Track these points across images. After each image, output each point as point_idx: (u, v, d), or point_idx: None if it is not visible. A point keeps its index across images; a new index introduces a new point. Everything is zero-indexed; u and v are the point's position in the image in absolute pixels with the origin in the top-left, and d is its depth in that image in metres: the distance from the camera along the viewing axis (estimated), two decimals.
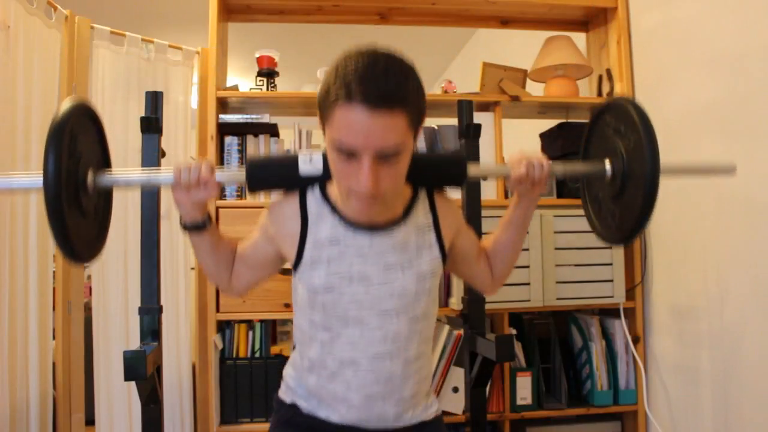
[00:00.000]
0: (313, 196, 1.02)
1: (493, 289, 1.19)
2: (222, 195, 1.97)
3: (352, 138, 0.83)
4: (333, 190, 1.01)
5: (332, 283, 0.99)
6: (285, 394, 1.11)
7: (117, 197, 2.21)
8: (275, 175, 1.05)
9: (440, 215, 1.06)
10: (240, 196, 1.97)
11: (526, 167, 1.02)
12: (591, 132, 1.18)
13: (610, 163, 1.09)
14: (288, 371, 1.13)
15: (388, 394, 1.01)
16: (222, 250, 1.08)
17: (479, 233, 1.54)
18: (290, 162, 1.02)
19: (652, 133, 0.99)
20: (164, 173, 1.03)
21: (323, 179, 1.02)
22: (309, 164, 1.01)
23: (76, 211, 0.97)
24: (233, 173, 1.08)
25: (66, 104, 0.95)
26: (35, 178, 0.94)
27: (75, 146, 0.96)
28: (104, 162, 1.11)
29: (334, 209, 1.00)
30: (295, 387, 1.10)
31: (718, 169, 1.23)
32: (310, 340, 1.04)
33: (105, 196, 1.12)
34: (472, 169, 1.10)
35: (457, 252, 1.11)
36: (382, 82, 0.82)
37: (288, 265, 1.07)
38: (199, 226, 1.03)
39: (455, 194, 1.21)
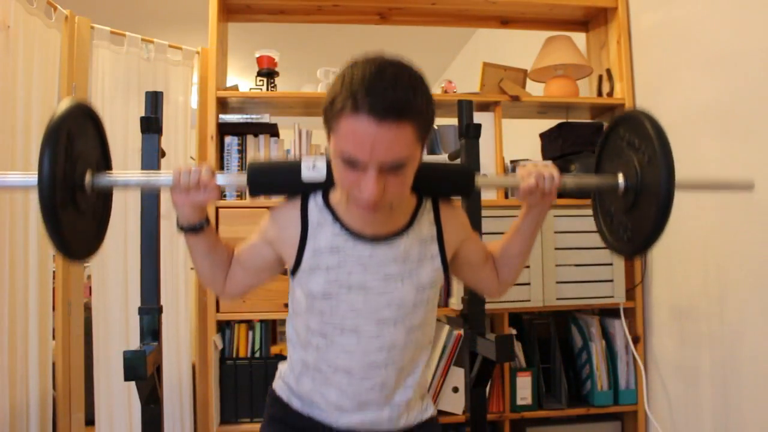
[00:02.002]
0: (315, 203, 1.01)
1: (499, 293, 1.18)
2: (222, 195, 1.97)
3: (358, 149, 0.82)
4: (335, 197, 1.00)
5: (330, 291, 0.98)
6: (281, 390, 1.11)
7: (117, 197, 2.20)
8: (277, 180, 1.04)
9: (444, 226, 1.05)
10: (240, 197, 1.97)
11: (536, 179, 1.01)
12: (604, 145, 1.17)
13: (623, 177, 1.07)
14: (284, 368, 1.13)
15: (383, 401, 1.02)
16: (218, 252, 1.07)
17: (479, 233, 1.53)
18: (293, 167, 1.00)
19: (668, 146, 0.99)
20: (164, 175, 1.02)
21: (326, 186, 1.00)
22: (312, 170, 0.99)
23: (72, 211, 0.96)
24: (234, 177, 1.06)
25: (64, 104, 0.95)
26: (30, 177, 0.93)
27: (72, 147, 0.95)
28: (104, 162, 1.10)
29: (335, 217, 0.99)
30: (291, 385, 1.09)
31: (736, 185, 1.22)
32: (306, 344, 1.04)
33: (104, 197, 1.11)
34: (480, 181, 1.09)
35: (461, 259, 1.10)
36: (390, 93, 0.80)
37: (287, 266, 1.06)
38: (195, 228, 1.02)
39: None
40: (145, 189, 1.41)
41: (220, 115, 2.00)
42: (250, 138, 1.99)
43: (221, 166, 1.98)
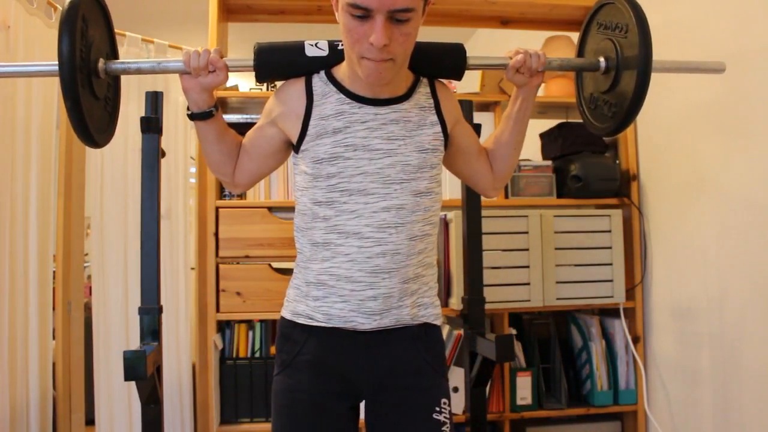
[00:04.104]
0: (319, 78, 1.06)
1: (495, 188, 1.23)
2: (222, 195, 1.97)
3: None
4: (339, 72, 1.05)
5: (337, 153, 1.02)
6: (285, 310, 1.11)
7: (117, 198, 2.19)
8: (283, 60, 1.08)
9: (441, 100, 1.10)
10: (240, 196, 1.97)
11: (524, 55, 1.07)
12: (585, 35, 1.23)
13: (604, 58, 1.14)
14: (290, 286, 1.13)
15: (394, 269, 1.02)
16: (227, 140, 1.11)
17: (479, 232, 1.53)
18: (298, 45, 1.06)
19: (644, 17, 1.05)
20: (173, 60, 1.06)
21: (329, 65, 1.05)
22: (315, 48, 1.05)
23: (89, 95, 1.02)
24: (242, 59, 1.09)
25: None
26: (51, 64, 0.98)
27: (87, 31, 0.99)
28: (112, 52, 1.14)
29: (340, 87, 1.04)
30: (295, 294, 1.10)
31: (708, 67, 1.29)
32: (313, 220, 1.05)
33: (114, 85, 1.15)
34: (472, 59, 1.14)
35: (456, 143, 1.14)
36: None
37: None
38: (205, 114, 1.05)
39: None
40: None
41: None
42: None
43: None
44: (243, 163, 1.13)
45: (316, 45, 1.05)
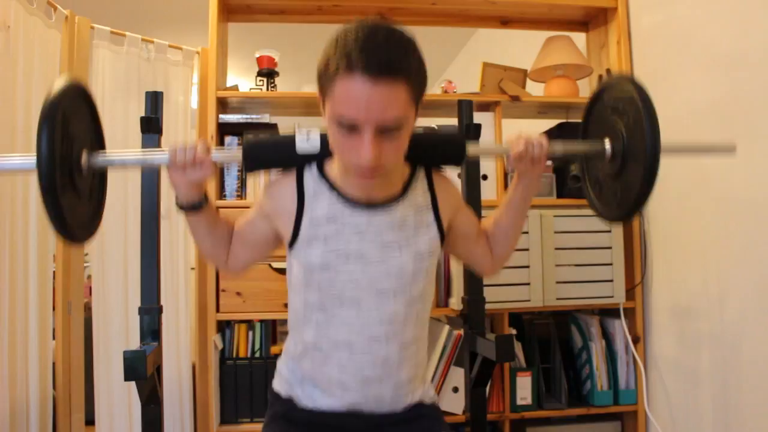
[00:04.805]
0: (311, 174, 1.02)
1: (493, 270, 1.19)
2: (222, 195, 1.97)
3: (354, 110, 0.82)
4: (331, 168, 1.01)
5: (329, 261, 0.98)
6: (280, 385, 1.10)
7: (117, 198, 2.19)
8: (272, 154, 1.04)
9: (439, 195, 1.06)
10: (240, 196, 1.97)
11: (525, 145, 1.02)
12: (589, 112, 1.18)
13: (610, 142, 1.08)
14: (282, 361, 1.12)
15: (385, 377, 1.00)
16: (219, 229, 1.08)
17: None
18: (287, 140, 1.01)
19: (651, 107, 0.99)
20: (159, 153, 1.02)
21: (321, 158, 1.01)
22: (306, 142, 1.00)
23: (70, 192, 0.96)
24: (230, 153, 1.06)
25: (58, 84, 0.94)
26: (29, 159, 0.93)
27: (68, 127, 0.95)
28: (98, 143, 1.09)
29: (332, 187, 0.99)
30: (289, 376, 1.08)
31: (719, 148, 1.23)
32: (305, 322, 1.03)
33: (100, 177, 1.12)
34: (471, 149, 1.10)
35: (456, 232, 1.10)
36: (383, 52, 0.81)
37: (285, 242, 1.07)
38: (195, 207, 1.02)
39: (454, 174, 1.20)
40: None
41: (220, 115, 2.00)
42: None
43: (221, 166, 1.98)
44: (236, 251, 1.10)
45: (307, 138, 1.00)
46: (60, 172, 0.91)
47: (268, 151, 1.04)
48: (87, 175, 1.01)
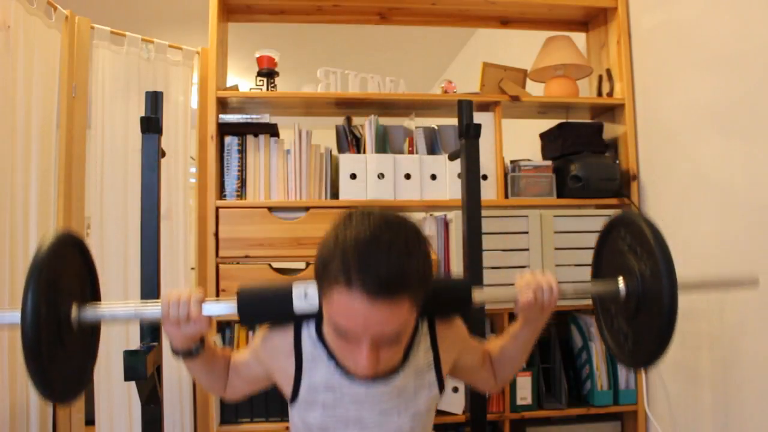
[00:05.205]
0: (309, 335, 0.99)
1: (496, 389, 1.18)
2: (222, 195, 1.97)
3: (351, 323, 0.80)
4: (329, 330, 0.96)
5: (327, 425, 0.97)
6: None
7: (117, 198, 2.18)
8: (268, 309, 1.00)
9: (441, 348, 1.03)
10: (240, 197, 1.97)
11: (534, 292, 0.99)
12: (603, 243, 1.16)
13: (624, 282, 1.06)
14: None
15: None
16: (216, 368, 1.06)
17: (479, 232, 1.53)
18: (284, 295, 0.96)
19: (671, 262, 0.97)
20: (152, 307, 0.99)
21: (319, 316, 0.97)
22: (304, 300, 0.95)
23: (57, 349, 0.92)
24: (224, 306, 1.00)
25: (49, 238, 0.92)
26: (13, 314, 0.89)
27: (58, 281, 0.93)
28: (91, 293, 1.08)
29: (330, 355, 0.96)
30: None
31: (740, 282, 1.20)
32: None
33: (91, 329, 1.07)
34: (477, 295, 1.05)
35: (459, 367, 1.09)
36: (383, 269, 0.77)
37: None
38: (191, 354, 1.00)
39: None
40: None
41: (220, 115, 2.00)
42: (250, 138, 1.99)
43: (221, 166, 1.98)
44: (234, 383, 1.09)
45: (305, 296, 0.95)
46: (46, 331, 0.88)
47: (263, 306, 1.00)
48: (77, 329, 0.98)
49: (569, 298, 1.06)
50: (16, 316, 0.87)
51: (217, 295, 1.89)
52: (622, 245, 1.09)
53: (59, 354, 0.93)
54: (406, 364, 0.98)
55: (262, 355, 1.03)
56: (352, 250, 0.79)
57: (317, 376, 0.97)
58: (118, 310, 1.03)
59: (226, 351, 1.10)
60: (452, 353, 1.05)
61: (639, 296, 1.02)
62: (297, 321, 1.00)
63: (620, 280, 1.06)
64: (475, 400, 1.51)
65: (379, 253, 0.78)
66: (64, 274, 0.95)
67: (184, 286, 2.37)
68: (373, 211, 0.84)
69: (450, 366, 1.05)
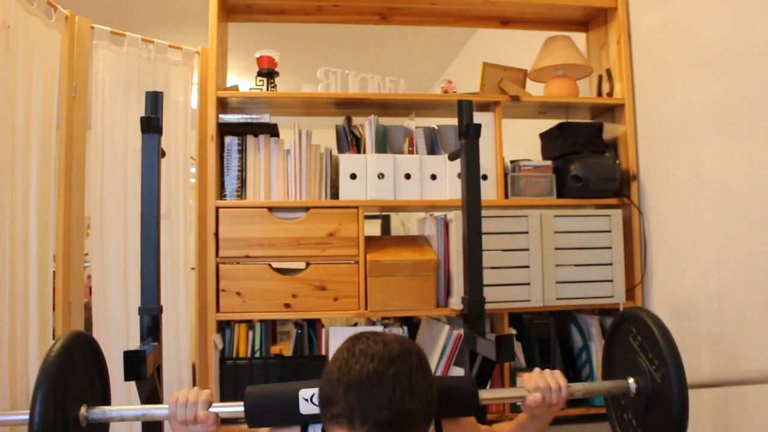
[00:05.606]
0: None
1: None
2: (222, 195, 1.97)
3: None
4: None
5: None
6: None
7: (117, 198, 2.18)
8: (275, 411, 1.02)
9: None
10: (240, 196, 1.97)
11: (542, 393, 1.00)
12: (612, 338, 1.18)
13: (635, 381, 1.08)
14: None
15: None
16: None
17: (479, 232, 1.53)
18: (291, 397, 0.99)
19: (681, 369, 0.99)
20: (160, 409, 1.02)
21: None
22: (310, 403, 0.98)
23: None
24: (231, 408, 1.03)
25: (61, 341, 0.95)
26: (22, 416, 0.92)
27: (68, 383, 0.95)
28: (102, 394, 1.10)
29: None
30: None
31: (755, 380, 1.23)
32: None
33: (99, 427, 1.09)
34: (484, 395, 1.06)
35: None
36: (386, 412, 0.78)
37: None
38: None
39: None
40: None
41: (220, 115, 2.00)
42: (250, 138, 1.99)
43: (221, 166, 1.98)
44: None
45: (311, 399, 0.97)
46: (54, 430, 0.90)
47: (270, 409, 1.02)
48: (86, 428, 1.01)
49: (578, 397, 1.09)
50: (24, 417, 0.90)
51: (217, 296, 1.89)
52: (633, 343, 1.11)
53: None
54: None
55: None
56: (355, 390, 0.79)
57: None
58: (127, 411, 1.06)
59: None
60: None
61: (649, 397, 1.04)
62: (303, 422, 1.01)
63: (630, 380, 1.09)
64: None
65: (382, 395, 0.78)
66: (73, 375, 0.98)
67: (183, 284, 2.37)
68: (376, 339, 0.84)
69: None
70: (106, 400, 1.14)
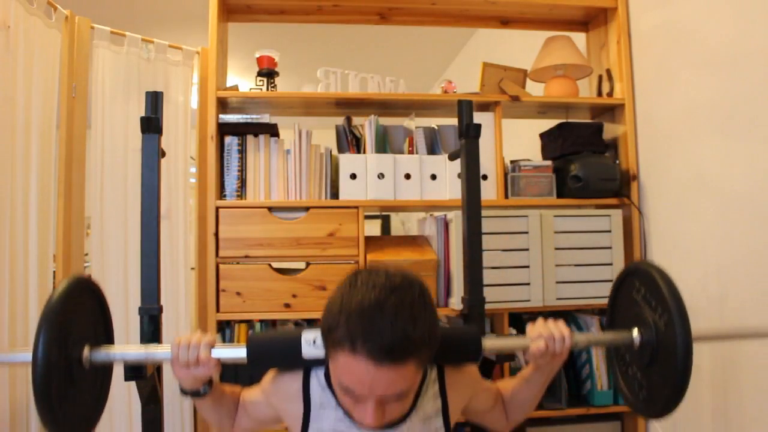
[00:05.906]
0: (317, 381, 1.00)
1: (508, 429, 1.17)
2: (222, 195, 1.97)
3: (356, 385, 0.82)
4: None
5: None
6: None
7: (117, 198, 2.18)
8: (277, 356, 1.02)
9: (450, 394, 1.03)
10: (240, 196, 1.97)
11: (546, 341, 1.00)
12: (617, 292, 1.18)
13: (639, 332, 1.07)
14: None
15: None
16: (224, 405, 1.08)
17: (479, 232, 1.53)
18: (293, 341, 0.99)
19: (686, 318, 0.98)
20: (162, 350, 1.04)
21: (328, 362, 0.98)
22: (312, 347, 0.98)
23: (67, 389, 0.95)
24: (233, 351, 1.03)
25: (63, 284, 0.95)
26: (25, 355, 0.92)
27: (71, 325, 0.96)
28: (105, 335, 1.11)
29: (338, 402, 0.97)
30: None
31: (757, 333, 1.23)
32: None
33: (103, 369, 1.11)
34: (488, 344, 1.06)
35: (470, 409, 1.09)
36: (388, 336, 0.78)
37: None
38: (199, 394, 1.03)
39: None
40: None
41: (220, 115, 2.00)
42: (250, 138, 1.99)
43: (221, 166, 1.98)
44: (242, 422, 1.11)
45: (313, 343, 0.97)
46: (56, 372, 0.91)
47: (272, 352, 1.03)
48: (89, 370, 1.02)
49: (582, 348, 1.08)
50: (27, 356, 0.90)
51: (217, 296, 1.89)
52: (637, 296, 1.10)
53: (70, 394, 0.96)
54: (414, 412, 0.98)
55: (272, 396, 1.05)
56: (356, 316, 0.80)
57: (325, 423, 0.98)
58: (129, 352, 1.08)
59: (235, 389, 1.12)
60: (463, 398, 1.06)
61: (653, 347, 1.04)
62: (306, 366, 1.01)
63: (635, 330, 1.08)
64: None
65: (383, 320, 0.79)
66: (77, 317, 0.98)
67: (183, 284, 2.37)
68: (378, 272, 0.85)
69: (460, 410, 1.06)
70: (109, 343, 1.13)
